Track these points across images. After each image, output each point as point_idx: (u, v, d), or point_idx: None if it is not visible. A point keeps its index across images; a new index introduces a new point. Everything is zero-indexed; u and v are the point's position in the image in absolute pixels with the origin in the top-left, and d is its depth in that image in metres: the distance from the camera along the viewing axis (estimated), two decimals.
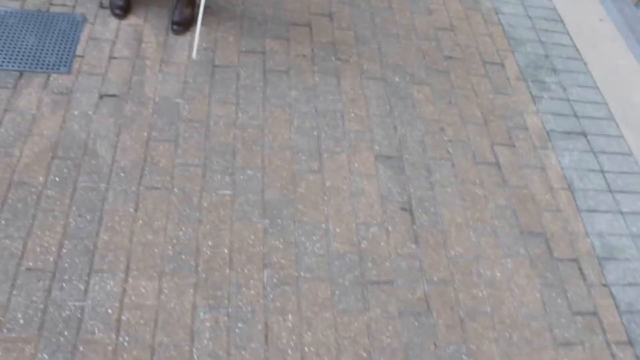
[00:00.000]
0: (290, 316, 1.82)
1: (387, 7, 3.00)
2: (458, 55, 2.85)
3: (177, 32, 2.56)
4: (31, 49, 2.39)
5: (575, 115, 2.71)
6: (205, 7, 2.66)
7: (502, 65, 2.86)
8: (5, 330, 1.64)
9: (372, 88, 2.56)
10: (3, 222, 1.85)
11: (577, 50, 3.07)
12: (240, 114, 2.32)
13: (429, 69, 2.72)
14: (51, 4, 2.59)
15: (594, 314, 2.04)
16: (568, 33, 3.16)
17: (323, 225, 2.04)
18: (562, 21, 3.23)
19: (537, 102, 2.72)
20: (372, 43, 2.77)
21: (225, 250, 1.91)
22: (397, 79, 2.63)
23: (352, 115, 2.42)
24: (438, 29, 2.96)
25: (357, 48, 2.73)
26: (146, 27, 2.57)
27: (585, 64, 2.99)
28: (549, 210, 2.30)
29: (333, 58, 2.64)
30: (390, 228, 2.09)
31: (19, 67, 2.31)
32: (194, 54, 2.46)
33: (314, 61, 2.61)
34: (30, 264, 1.78)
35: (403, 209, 2.16)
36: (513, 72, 2.84)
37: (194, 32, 2.60)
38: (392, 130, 2.41)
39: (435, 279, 2.00)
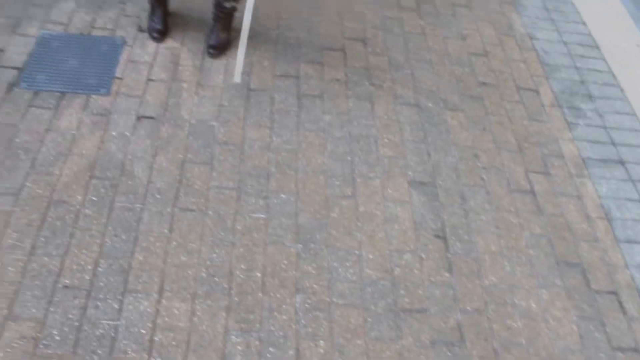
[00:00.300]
0: (322, 342, 1.81)
1: (420, 32, 3.01)
2: (492, 81, 2.83)
3: (213, 56, 2.60)
4: (73, 70, 2.45)
5: (613, 143, 2.67)
6: (237, 29, 2.70)
7: (537, 92, 2.84)
8: (41, 346, 1.66)
9: (405, 113, 2.56)
10: (42, 239, 1.88)
11: (614, 76, 3.03)
12: (274, 138, 2.34)
13: (463, 95, 2.72)
14: (93, 27, 2.66)
15: (635, 350, 1.98)
16: (604, 59, 3.13)
17: (356, 251, 2.03)
18: (597, 47, 3.20)
19: (573, 129, 2.69)
20: (406, 68, 2.78)
21: (258, 274, 1.91)
22: (430, 105, 2.62)
23: (386, 140, 2.42)
24: (472, 55, 2.96)
25: (390, 73, 2.74)
26: (183, 50, 2.62)
27: (622, 90, 2.95)
28: (586, 240, 2.25)
29: (367, 83, 2.66)
30: (423, 255, 2.07)
31: (61, 88, 2.38)
32: (237, 78, 2.50)
33: (347, 86, 2.62)
34: (67, 281, 1.80)
35: (437, 236, 2.14)
36: (548, 99, 2.81)
37: (230, 55, 2.64)
38: (425, 156, 2.40)
39: (469, 308, 1.97)
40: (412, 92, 2.66)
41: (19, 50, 2.49)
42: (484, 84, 2.81)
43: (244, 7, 2.67)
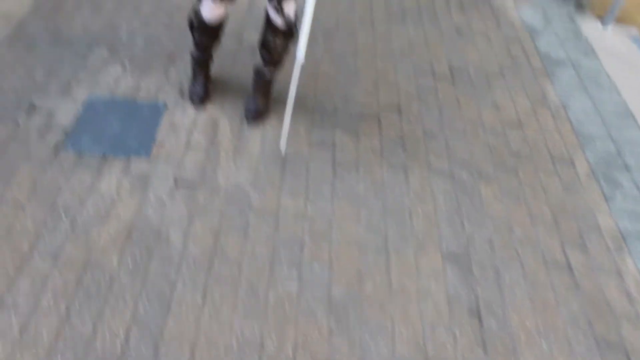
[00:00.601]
0: None
1: (455, 102, 3.05)
2: (526, 151, 2.83)
3: (251, 122, 2.67)
4: (116, 133, 2.54)
5: None
6: (278, 97, 2.77)
7: (572, 163, 2.81)
8: None
9: (439, 184, 2.56)
10: (76, 303, 1.90)
11: None
12: (309, 207, 2.36)
13: (497, 166, 2.71)
14: (137, 91, 2.76)
15: None
16: None
17: (389, 326, 2.00)
18: (633, 116, 3.18)
19: (610, 202, 2.64)
20: (440, 138, 2.80)
21: (290, 347, 1.89)
22: (464, 175, 2.62)
23: (420, 211, 2.42)
24: (506, 125, 2.96)
25: (425, 143, 2.76)
26: (222, 116, 2.70)
27: None
28: (628, 319, 2.18)
29: (401, 152, 2.68)
30: (457, 332, 2.03)
31: (103, 150, 2.45)
32: (282, 147, 2.56)
33: (382, 155, 2.65)
34: (98, 346, 1.81)
35: (471, 311, 2.10)
36: (583, 170, 2.78)
37: (267, 122, 2.70)
38: (459, 227, 2.39)
39: None
40: (446, 162, 2.68)
41: (67, 113, 2.60)
42: (518, 154, 2.80)
43: (282, 76, 2.79)
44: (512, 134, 2.91)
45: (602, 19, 4.04)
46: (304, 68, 2.88)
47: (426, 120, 2.90)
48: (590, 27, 3.99)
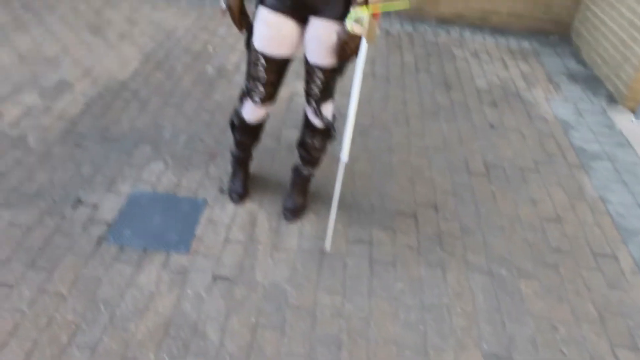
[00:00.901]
0: None
1: (491, 197, 3.06)
2: (566, 247, 2.78)
3: (289, 219, 2.71)
4: (157, 227, 2.60)
5: None
6: (316, 195, 2.83)
7: (615, 258, 2.75)
8: None
9: (478, 281, 2.52)
10: None
11: None
12: (346, 304, 2.34)
13: (537, 262, 2.67)
14: (178, 187, 2.86)
15: None
16: None
17: None
18: None
19: None
20: (477, 234, 2.79)
21: None
22: (503, 272, 2.58)
23: (459, 310, 2.37)
24: (543, 220, 2.94)
25: (462, 239, 2.75)
26: (260, 212, 2.75)
27: None
28: None
29: (438, 249, 2.67)
30: None
31: (144, 244, 2.51)
32: (327, 246, 2.59)
33: (419, 252, 2.64)
34: None
35: None
36: (628, 265, 2.71)
37: (305, 218, 2.74)
38: (500, 326, 2.32)
39: None
40: (484, 259, 2.65)
41: (111, 207, 2.69)
42: (558, 250, 2.76)
43: (319, 172, 2.86)
44: (551, 229, 2.88)
45: (635, 110, 4.07)
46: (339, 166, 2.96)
47: (463, 216, 2.90)
48: (623, 119, 4.02)
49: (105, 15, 4.77)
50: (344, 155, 2.32)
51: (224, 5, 2.30)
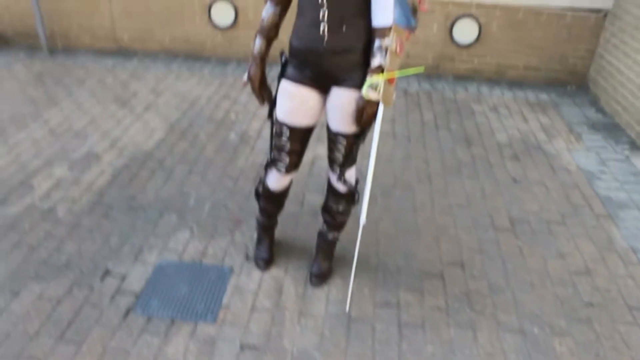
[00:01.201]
0: None
1: (518, 252, 3.02)
2: (599, 301, 2.71)
3: (315, 284, 2.71)
4: (184, 297, 2.61)
5: None
6: (341, 258, 2.83)
7: None
8: None
9: (509, 341, 2.46)
10: None
11: None
12: None
13: (570, 318, 2.60)
14: (204, 255, 2.88)
15: None
16: None
17: None
18: None
19: None
20: (506, 292, 2.74)
21: None
22: (535, 330, 2.52)
23: None
24: (573, 274, 2.88)
25: (491, 298, 2.70)
26: (286, 278, 2.75)
27: None
28: None
29: (467, 309, 2.62)
30: None
31: (171, 314, 2.52)
32: (347, 308, 2.57)
33: (448, 313, 2.60)
34: None
35: None
36: None
37: (331, 283, 2.73)
38: None
39: None
40: (515, 317, 2.59)
41: (138, 277, 2.71)
42: (590, 305, 2.69)
43: (344, 235, 2.86)
44: (582, 283, 2.82)
45: None
46: (364, 228, 2.96)
47: (490, 274, 2.86)
48: None
49: (131, 87, 4.95)
50: (363, 217, 2.34)
51: (245, 77, 2.38)
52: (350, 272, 2.76)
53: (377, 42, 2.12)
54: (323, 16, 2.14)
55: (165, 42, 5.75)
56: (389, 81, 2.07)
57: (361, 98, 2.14)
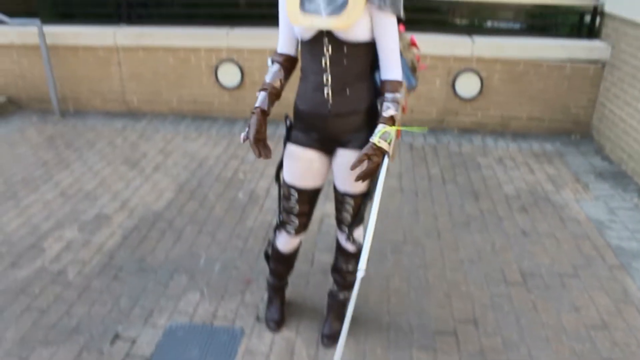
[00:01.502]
0: None
1: (532, 307, 2.97)
2: (619, 356, 2.66)
3: (326, 345, 2.67)
4: None
5: None
6: (353, 318, 2.79)
7: None
8: None
9: None
10: None
11: None
12: None
13: None
14: (215, 317, 2.86)
15: None
16: None
17: None
18: None
19: None
20: (521, 348, 2.69)
21: None
22: None
23: None
24: (589, 328, 2.83)
25: (506, 354, 2.65)
26: (298, 340, 2.71)
27: None
28: None
29: None
30: None
31: None
32: None
33: None
34: None
35: None
36: None
37: (337, 342, 2.69)
38: None
39: None
40: None
41: (148, 341, 2.69)
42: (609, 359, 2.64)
43: (357, 297, 2.83)
44: (599, 338, 2.77)
45: None
46: (374, 285, 2.95)
47: (504, 330, 2.81)
48: None
49: (140, 148, 5.03)
50: (362, 269, 2.14)
51: (243, 135, 2.31)
52: (362, 332, 2.73)
53: (389, 95, 2.14)
54: (327, 80, 2.19)
55: (173, 103, 5.88)
56: (396, 134, 2.11)
57: (370, 147, 2.10)
